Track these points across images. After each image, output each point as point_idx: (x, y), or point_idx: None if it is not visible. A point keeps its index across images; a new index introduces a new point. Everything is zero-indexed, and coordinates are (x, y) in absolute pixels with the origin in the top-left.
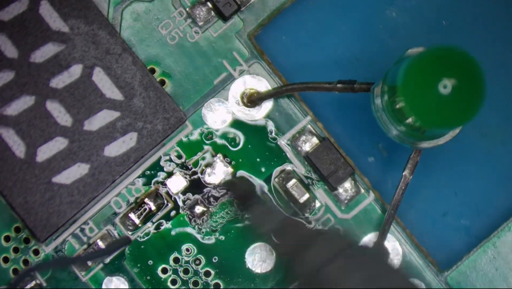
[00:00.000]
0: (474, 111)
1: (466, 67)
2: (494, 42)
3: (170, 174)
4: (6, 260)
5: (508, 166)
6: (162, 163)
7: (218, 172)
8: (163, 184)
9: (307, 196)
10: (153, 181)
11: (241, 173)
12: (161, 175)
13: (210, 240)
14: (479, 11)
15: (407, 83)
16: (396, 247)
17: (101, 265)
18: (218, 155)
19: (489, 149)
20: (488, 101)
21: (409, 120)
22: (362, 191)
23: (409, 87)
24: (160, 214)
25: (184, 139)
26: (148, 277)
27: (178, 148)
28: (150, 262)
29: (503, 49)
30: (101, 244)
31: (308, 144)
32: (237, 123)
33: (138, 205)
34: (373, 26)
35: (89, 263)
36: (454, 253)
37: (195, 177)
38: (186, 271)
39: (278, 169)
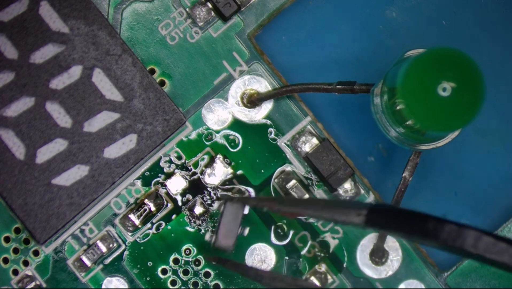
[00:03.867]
0: (473, 114)
1: (466, 69)
2: (494, 42)
3: (170, 175)
4: (6, 260)
5: (508, 166)
6: (162, 164)
7: (218, 173)
8: (163, 184)
9: (307, 196)
10: (152, 182)
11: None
12: (161, 176)
13: (210, 241)
14: (479, 11)
15: (406, 85)
16: (396, 248)
17: (101, 266)
18: (218, 156)
19: (489, 149)
20: (488, 102)
21: (409, 122)
22: (362, 191)
23: (408, 90)
24: (160, 214)
25: (184, 140)
26: (148, 278)
27: (178, 149)
28: (150, 263)
29: (503, 49)
30: (101, 245)
31: (308, 145)
32: (237, 124)
33: (138, 205)
34: (373, 26)
35: (89, 264)
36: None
37: (195, 177)
38: (185, 272)
39: (278, 169)
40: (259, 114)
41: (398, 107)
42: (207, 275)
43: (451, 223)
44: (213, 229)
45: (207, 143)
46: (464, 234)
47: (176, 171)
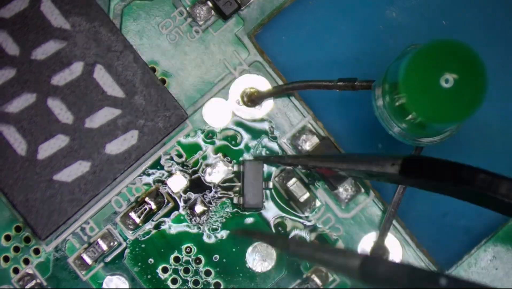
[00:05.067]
0: (475, 106)
1: (468, 60)
2: (494, 42)
3: (170, 173)
4: (6, 259)
5: (508, 166)
6: (162, 162)
7: (219, 171)
8: (163, 183)
9: (307, 195)
10: (153, 180)
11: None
12: (162, 174)
13: (211, 239)
14: (479, 11)
15: (409, 78)
16: (396, 246)
17: (101, 264)
18: (219, 154)
19: (489, 149)
20: (488, 101)
21: (411, 116)
22: (362, 190)
23: (410, 82)
24: (161, 213)
25: (185, 138)
26: (149, 276)
27: (178, 147)
28: (151, 261)
29: (503, 49)
30: (101, 243)
31: (308, 143)
32: (237, 123)
33: (138, 204)
34: (374, 26)
35: (90, 262)
36: (454, 253)
37: (196, 176)
38: (186, 270)
39: (279, 168)
40: (259, 113)
41: (400, 102)
42: (207, 273)
43: (485, 172)
44: (238, 193)
45: (208, 141)
46: (498, 183)
47: (176, 169)
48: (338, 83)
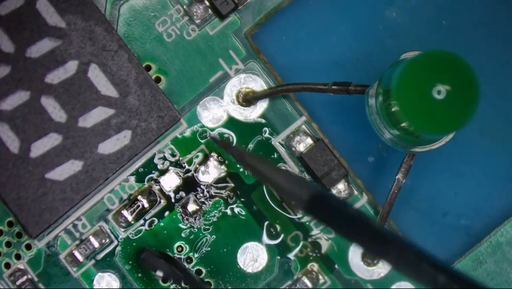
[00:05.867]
0: (467, 117)
1: (460, 72)
2: (494, 43)
3: (163, 172)
4: None
5: (508, 166)
6: (156, 161)
7: (212, 171)
8: (156, 181)
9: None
10: (146, 178)
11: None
12: (155, 173)
13: (202, 239)
14: (479, 11)
15: (401, 87)
16: None
17: (93, 261)
18: (212, 154)
19: (489, 149)
20: (487, 102)
21: (403, 124)
22: (355, 192)
23: (402, 92)
24: (153, 211)
25: (179, 137)
26: (140, 274)
27: (172, 146)
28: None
29: (503, 49)
30: (93, 240)
31: (302, 144)
32: (231, 122)
33: (131, 202)
34: (374, 26)
35: (81, 258)
36: (454, 253)
37: (189, 175)
38: None
39: None
40: (254, 113)
41: (392, 109)
42: (198, 272)
43: None
44: None
45: (202, 141)
46: None
47: (170, 168)
48: (333, 87)
